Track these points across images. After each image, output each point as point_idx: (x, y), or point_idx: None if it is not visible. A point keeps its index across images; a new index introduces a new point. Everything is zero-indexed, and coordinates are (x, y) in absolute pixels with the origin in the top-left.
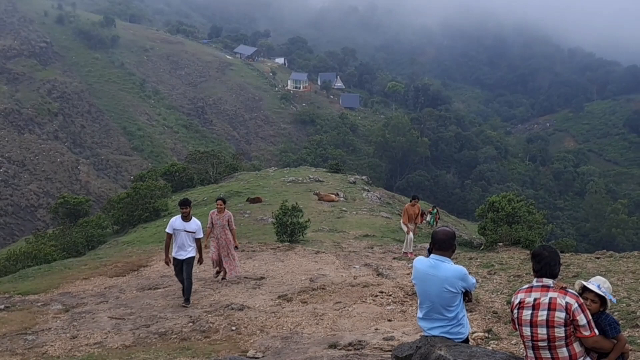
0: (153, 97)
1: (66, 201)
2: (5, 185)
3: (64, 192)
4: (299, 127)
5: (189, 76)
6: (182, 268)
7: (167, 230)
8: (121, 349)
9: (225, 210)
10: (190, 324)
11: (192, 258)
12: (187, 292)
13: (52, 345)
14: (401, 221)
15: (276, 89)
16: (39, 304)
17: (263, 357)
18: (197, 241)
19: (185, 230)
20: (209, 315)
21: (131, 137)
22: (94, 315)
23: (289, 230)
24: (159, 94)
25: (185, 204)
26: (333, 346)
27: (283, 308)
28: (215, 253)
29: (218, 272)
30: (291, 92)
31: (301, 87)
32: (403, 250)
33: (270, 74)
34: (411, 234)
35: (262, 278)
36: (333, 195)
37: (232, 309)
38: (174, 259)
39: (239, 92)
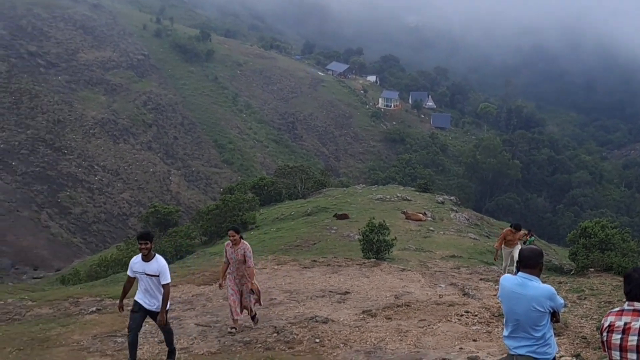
0: (245, 111)
1: (157, 210)
2: (99, 193)
3: (155, 201)
4: (388, 145)
5: (280, 91)
6: (141, 317)
7: (128, 272)
8: (206, 356)
9: (242, 241)
10: (275, 335)
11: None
12: (168, 343)
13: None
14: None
15: (367, 106)
16: (128, 308)
17: None
18: (164, 288)
19: (146, 274)
20: (293, 327)
21: (222, 150)
22: (181, 322)
23: (375, 247)
24: (250, 108)
25: (144, 237)
26: None
27: (367, 323)
28: (235, 296)
29: (234, 328)
30: (382, 110)
31: (392, 105)
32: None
33: (362, 91)
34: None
35: (347, 293)
36: (421, 215)
37: (317, 321)
38: (135, 302)
39: (330, 108)
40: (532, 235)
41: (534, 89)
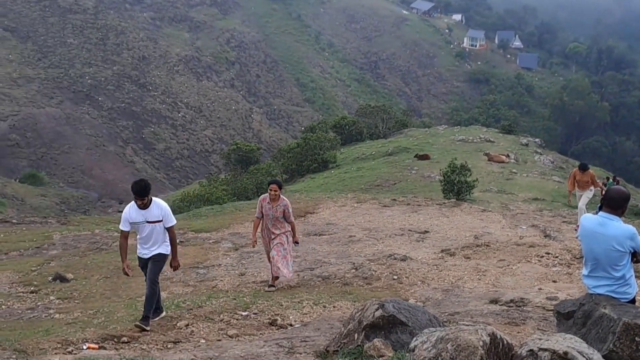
0: (327, 50)
1: (239, 148)
2: (182, 129)
3: (237, 139)
4: (472, 85)
5: (364, 30)
6: None
7: (121, 227)
8: (286, 289)
9: (282, 197)
10: (353, 270)
11: (163, 255)
12: (146, 304)
13: (221, 280)
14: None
15: (451, 46)
16: (210, 241)
17: (423, 306)
18: (170, 232)
19: (148, 221)
20: (372, 264)
21: (304, 88)
22: (261, 256)
23: (456, 188)
24: (333, 47)
25: (141, 193)
26: (494, 301)
27: (445, 262)
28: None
29: (272, 286)
30: (466, 49)
31: (477, 45)
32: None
33: (446, 30)
34: (580, 203)
35: (426, 232)
36: (503, 157)
37: (395, 258)
38: (139, 259)
39: (413, 47)
40: (617, 182)
41: (626, 28)
